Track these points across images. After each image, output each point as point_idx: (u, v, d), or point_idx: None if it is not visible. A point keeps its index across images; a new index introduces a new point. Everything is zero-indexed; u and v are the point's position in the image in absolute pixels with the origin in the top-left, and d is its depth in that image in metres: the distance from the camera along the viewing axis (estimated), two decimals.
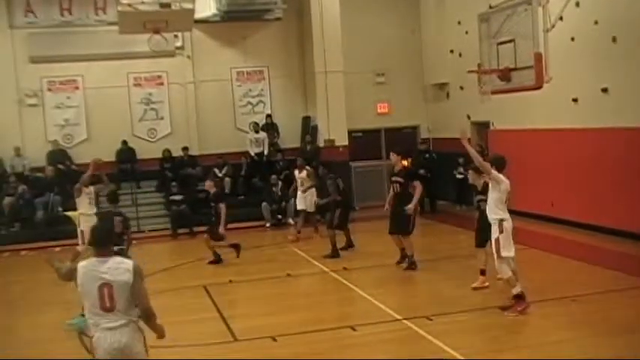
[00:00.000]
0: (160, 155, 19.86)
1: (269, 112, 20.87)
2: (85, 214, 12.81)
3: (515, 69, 13.02)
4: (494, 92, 13.85)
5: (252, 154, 20.13)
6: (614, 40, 13.01)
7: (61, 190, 17.83)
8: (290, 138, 20.80)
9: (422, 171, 19.23)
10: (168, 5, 16.51)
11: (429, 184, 19.31)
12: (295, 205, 17.56)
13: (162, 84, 20.33)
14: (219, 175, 19.79)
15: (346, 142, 20.10)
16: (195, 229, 17.47)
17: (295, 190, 17.21)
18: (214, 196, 14.17)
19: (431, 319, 9.24)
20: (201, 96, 20.50)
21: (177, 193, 18.64)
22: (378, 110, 21.50)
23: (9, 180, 18.42)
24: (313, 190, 16.50)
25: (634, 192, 12.52)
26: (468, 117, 18.67)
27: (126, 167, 19.58)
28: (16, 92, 19.26)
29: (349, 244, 14.54)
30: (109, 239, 5.58)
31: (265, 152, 20.15)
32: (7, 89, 19.07)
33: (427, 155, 20.04)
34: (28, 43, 19.22)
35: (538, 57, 12.28)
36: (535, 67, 12.28)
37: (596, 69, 13.57)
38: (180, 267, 14.09)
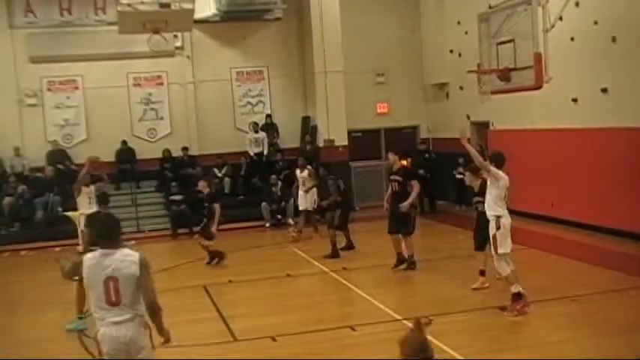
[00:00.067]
0: (159, 155, 19.87)
1: (269, 112, 20.87)
2: (85, 213, 12.78)
3: (514, 69, 13.02)
4: (493, 92, 13.85)
5: (252, 154, 20.13)
6: (613, 40, 13.01)
7: (61, 190, 17.84)
8: (290, 138, 20.80)
9: (421, 171, 19.22)
10: (167, 5, 16.50)
11: (429, 184, 19.36)
12: (296, 204, 17.59)
13: (161, 84, 20.33)
14: (219, 175, 19.82)
15: (346, 142, 20.11)
16: (195, 229, 17.42)
17: (297, 189, 17.23)
18: (208, 196, 14.17)
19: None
20: (200, 96, 20.50)
21: (176, 193, 18.63)
22: (378, 110, 21.50)
23: (9, 180, 18.43)
24: (314, 189, 16.53)
25: (634, 192, 12.52)
26: (468, 117, 18.67)
27: (126, 167, 19.58)
28: (15, 92, 19.26)
29: (349, 246, 14.52)
30: (115, 232, 5.47)
31: (265, 152, 20.15)
32: (6, 89, 19.07)
33: (427, 155, 20.05)
34: (28, 43, 19.22)
35: (538, 57, 12.28)
36: (535, 67, 12.28)
37: (595, 69, 13.57)
38: (180, 267, 14.09)
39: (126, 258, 5.29)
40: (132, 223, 18.09)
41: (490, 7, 14.75)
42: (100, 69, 19.63)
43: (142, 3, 16.33)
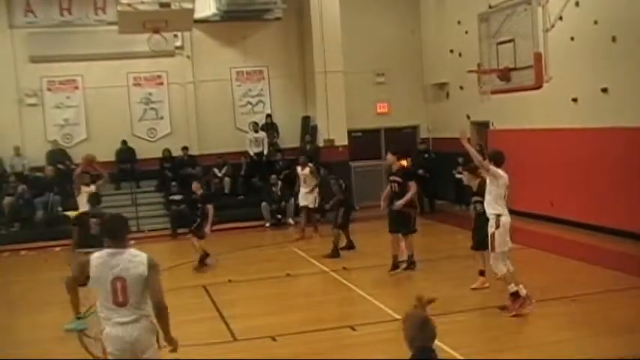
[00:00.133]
0: (159, 155, 19.87)
1: (269, 111, 20.87)
2: None
3: (514, 69, 13.03)
4: (493, 92, 13.86)
5: (252, 153, 20.13)
6: (613, 39, 13.01)
7: (61, 190, 17.84)
8: (290, 138, 20.80)
9: (421, 171, 19.23)
10: (167, 5, 16.51)
11: (428, 184, 19.39)
12: (296, 203, 17.60)
13: (161, 84, 20.33)
14: (219, 174, 19.82)
15: (346, 142, 20.10)
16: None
17: (299, 186, 17.27)
18: (202, 197, 14.16)
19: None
20: (200, 96, 20.50)
21: (176, 192, 18.62)
22: (378, 110, 21.50)
23: (9, 180, 18.42)
24: (315, 186, 16.60)
25: (634, 192, 12.52)
26: (468, 117, 18.67)
27: (125, 167, 19.58)
28: (15, 92, 19.25)
29: (349, 246, 14.53)
30: (122, 231, 5.41)
31: (265, 152, 20.15)
32: (6, 89, 19.07)
33: (426, 155, 20.06)
34: (28, 42, 19.22)
35: (538, 57, 12.29)
36: (535, 67, 12.29)
37: (595, 69, 13.57)
38: (179, 267, 14.07)
39: (134, 258, 5.25)
40: (132, 222, 17.78)
41: (490, 6, 14.76)
42: (100, 69, 19.63)
43: (142, 3, 16.34)
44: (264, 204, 18.82)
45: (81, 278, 5.38)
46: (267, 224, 18.76)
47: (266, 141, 20.17)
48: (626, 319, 8.98)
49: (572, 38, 13.88)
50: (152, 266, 5.27)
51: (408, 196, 12.05)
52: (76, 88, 19.74)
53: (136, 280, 5.18)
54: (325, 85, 19.89)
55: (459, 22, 18.59)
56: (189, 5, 16.88)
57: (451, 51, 19.40)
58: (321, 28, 19.78)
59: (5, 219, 17.94)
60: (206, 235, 13.79)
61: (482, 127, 18.19)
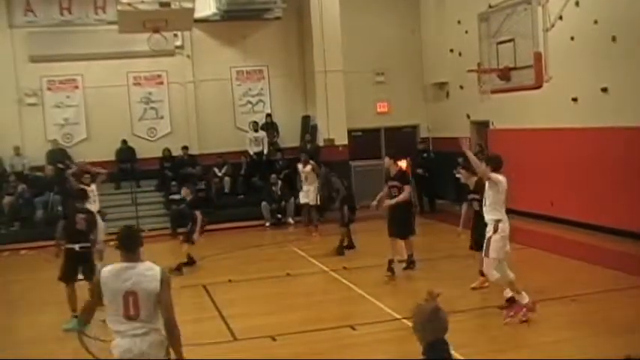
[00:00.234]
0: (159, 154, 19.87)
1: (269, 111, 20.87)
2: None
3: (514, 68, 13.02)
4: (493, 92, 13.86)
5: (252, 153, 20.13)
6: (613, 39, 13.00)
7: (61, 190, 17.83)
8: (289, 137, 20.80)
9: (420, 170, 19.28)
10: (167, 4, 16.49)
11: (428, 184, 19.42)
12: (297, 202, 17.63)
13: (161, 83, 20.33)
14: (219, 174, 19.82)
15: (346, 142, 20.10)
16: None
17: (300, 183, 17.31)
18: (190, 203, 14.11)
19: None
20: (200, 95, 20.50)
21: (176, 192, 18.60)
22: (378, 109, 21.50)
23: (9, 179, 18.43)
24: (316, 184, 16.64)
25: (634, 192, 12.52)
26: (468, 116, 18.68)
27: (126, 166, 19.58)
28: (15, 91, 19.26)
29: (350, 245, 14.55)
30: (137, 243, 5.29)
31: (265, 151, 20.15)
32: (6, 88, 19.07)
33: (426, 155, 20.07)
34: (28, 42, 19.22)
35: (538, 56, 12.29)
36: (535, 67, 12.29)
37: (595, 68, 13.57)
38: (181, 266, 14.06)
39: (147, 272, 5.15)
40: (132, 222, 18.03)
41: (490, 6, 14.76)
42: (100, 68, 19.63)
43: (142, 2, 16.33)
44: (264, 203, 18.82)
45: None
46: (267, 224, 18.76)
47: (266, 140, 20.18)
48: (626, 319, 8.98)
49: (572, 38, 13.87)
50: (165, 281, 5.18)
51: (400, 197, 11.96)
52: (76, 87, 19.74)
53: (148, 294, 5.09)
54: (325, 84, 19.89)
55: (458, 22, 18.58)
56: (189, 5, 16.87)
57: (451, 50, 19.40)
58: (321, 28, 19.77)
59: (5, 218, 17.95)
60: (195, 240, 13.70)
61: (482, 126, 18.19)
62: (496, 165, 9.25)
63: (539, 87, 12.59)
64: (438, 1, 20.12)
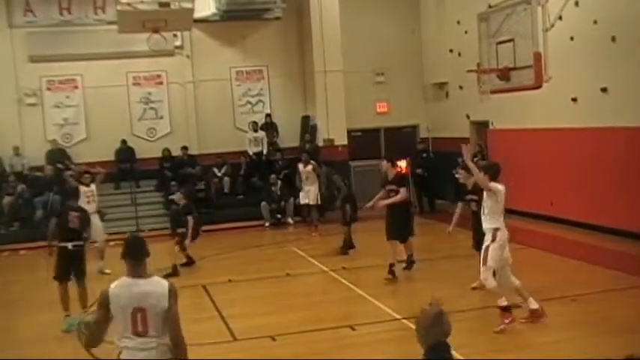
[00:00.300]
0: (159, 154, 19.87)
1: (268, 111, 20.86)
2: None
3: (514, 68, 13.03)
4: (493, 92, 13.86)
5: (251, 153, 20.12)
6: (613, 39, 13.01)
7: (60, 190, 17.80)
8: (289, 137, 20.79)
9: (420, 170, 19.30)
10: (167, 4, 16.49)
11: (428, 184, 19.43)
12: (296, 202, 17.62)
13: (161, 83, 20.33)
14: (219, 174, 19.82)
15: (345, 142, 20.08)
16: (201, 229, 17.45)
17: (300, 182, 17.31)
18: (183, 208, 14.08)
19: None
20: (200, 95, 20.49)
21: (176, 192, 18.59)
22: (378, 110, 21.49)
23: (8, 179, 18.42)
24: (317, 184, 16.64)
25: (634, 192, 12.52)
26: (468, 116, 18.68)
27: (125, 167, 19.58)
28: (15, 91, 19.25)
29: (349, 245, 14.54)
30: (144, 252, 5.15)
31: (264, 152, 20.14)
32: (6, 88, 19.06)
33: (425, 155, 20.08)
34: (28, 42, 19.21)
35: (537, 56, 12.29)
36: (534, 67, 12.29)
37: (595, 68, 13.57)
38: (179, 266, 14.04)
39: (155, 289, 5.04)
40: (131, 222, 18.11)
41: (490, 6, 14.76)
42: (100, 68, 19.62)
43: (142, 2, 16.33)
44: (263, 203, 18.81)
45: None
46: (267, 224, 18.76)
47: (265, 140, 20.17)
48: (626, 319, 8.98)
49: (571, 38, 13.87)
50: (173, 296, 5.06)
51: (396, 197, 11.87)
52: (76, 87, 19.74)
53: (157, 311, 4.99)
54: (325, 84, 19.88)
55: (458, 22, 18.59)
56: (188, 5, 16.87)
57: (451, 51, 19.40)
58: (320, 28, 19.76)
59: (5, 218, 17.94)
60: (187, 247, 13.64)
61: (481, 126, 18.19)
62: (494, 173, 9.12)
63: (538, 87, 12.59)
64: (438, 1, 20.12)
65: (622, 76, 12.93)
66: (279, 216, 18.81)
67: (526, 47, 12.55)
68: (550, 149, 14.89)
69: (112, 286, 5.09)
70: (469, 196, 10.49)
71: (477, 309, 9.75)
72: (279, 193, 18.89)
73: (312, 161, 17.19)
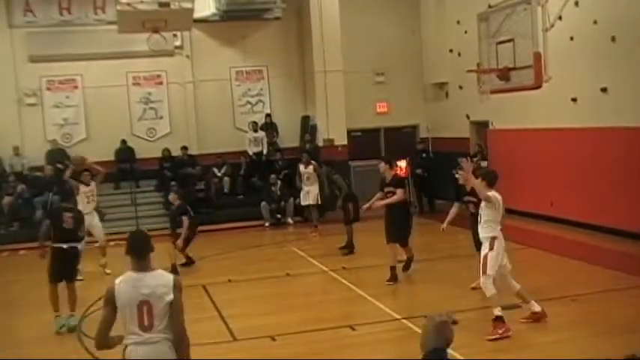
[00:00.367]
0: (159, 154, 19.87)
1: (268, 111, 20.86)
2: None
3: (514, 68, 13.04)
4: (493, 92, 13.87)
5: (251, 153, 20.11)
6: (613, 39, 13.00)
7: (60, 190, 17.80)
8: (289, 137, 20.79)
9: (419, 170, 19.31)
10: (167, 4, 16.49)
11: (428, 184, 19.43)
12: (296, 203, 17.62)
13: (161, 83, 20.32)
14: (219, 174, 19.82)
15: (345, 142, 20.08)
16: (197, 229, 17.43)
17: (300, 183, 17.31)
18: (177, 209, 14.07)
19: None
20: (200, 95, 20.49)
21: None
22: (378, 110, 21.49)
23: (8, 179, 18.42)
24: (317, 184, 16.65)
25: (634, 192, 12.52)
26: (467, 116, 18.68)
27: (125, 167, 19.58)
28: (15, 91, 19.25)
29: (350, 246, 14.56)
30: (148, 249, 5.20)
31: (264, 152, 20.13)
32: (6, 88, 19.06)
33: (425, 155, 20.08)
34: (27, 42, 19.21)
35: (537, 56, 12.30)
36: (534, 67, 12.29)
37: (595, 68, 13.57)
38: (178, 266, 14.04)
39: (160, 282, 5.10)
40: (131, 222, 18.08)
41: (490, 6, 14.77)
42: (100, 68, 19.62)
43: (142, 2, 16.33)
44: (263, 203, 18.81)
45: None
46: (267, 224, 18.75)
47: (265, 140, 20.17)
48: (626, 319, 8.98)
49: (571, 38, 13.87)
50: (177, 288, 5.12)
51: (393, 198, 11.79)
52: (76, 87, 19.73)
53: (162, 304, 5.04)
54: (325, 84, 19.87)
55: (458, 22, 18.59)
56: (188, 5, 16.87)
57: (450, 51, 19.40)
58: (320, 28, 19.75)
59: (4, 218, 17.94)
60: (179, 247, 13.60)
61: (481, 126, 18.19)
62: (492, 180, 9.09)
63: (538, 87, 12.60)
64: (438, 1, 20.12)
65: (622, 76, 12.93)
66: (279, 216, 18.81)
67: (526, 47, 12.55)
68: (550, 149, 14.89)
69: (117, 281, 5.13)
70: (467, 198, 10.47)
71: (476, 309, 9.74)
72: (279, 193, 18.89)
73: (312, 162, 17.18)
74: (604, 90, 13.37)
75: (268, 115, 20.72)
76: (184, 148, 19.92)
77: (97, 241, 13.90)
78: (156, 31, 16.80)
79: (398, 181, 12.16)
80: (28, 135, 19.27)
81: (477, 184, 9.06)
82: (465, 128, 18.86)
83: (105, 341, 5.16)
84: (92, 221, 13.70)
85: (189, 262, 13.80)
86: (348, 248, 14.28)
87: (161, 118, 20.38)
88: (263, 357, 8.49)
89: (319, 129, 20.20)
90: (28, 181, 18.54)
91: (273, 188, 18.94)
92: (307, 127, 20.53)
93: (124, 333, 5.11)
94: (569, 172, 14.26)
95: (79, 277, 12.59)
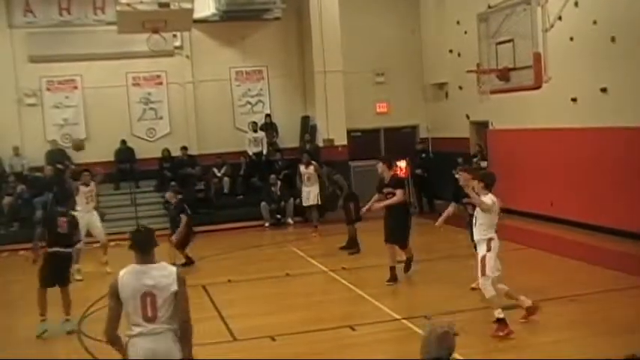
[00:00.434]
0: (159, 155, 19.86)
1: (268, 111, 20.85)
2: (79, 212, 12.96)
3: (514, 69, 13.04)
4: (493, 92, 13.87)
5: (251, 153, 20.11)
6: (613, 39, 13.00)
7: (60, 190, 17.80)
8: (289, 137, 20.78)
9: (419, 171, 19.31)
10: (167, 5, 16.47)
11: (427, 184, 19.43)
12: (296, 203, 17.62)
13: (161, 83, 20.31)
14: (218, 174, 19.82)
15: (345, 142, 20.08)
16: (194, 229, 17.43)
17: (300, 183, 17.33)
18: (175, 207, 14.05)
19: (430, 319, 9.21)
20: (200, 96, 20.48)
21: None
22: (378, 110, 21.49)
23: (8, 179, 18.42)
24: (317, 185, 16.65)
25: (634, 192, 12.52)
26: (467, 117, 18.68)
27: (125, 167, 19.56)
28: (15, 92, 19.24)
29: (349, 246, 14.54)
30: (152, 244, 5.28)
31: (264, 152, 20.13)
32: (6, 89, 19.05)
33: (425, 155, 20.08)
34: (27, 42, 19.21)
35: (537, 57, 12.30)
36: (534, 67, 12.29)
37: (595, 69, 13.57)
38: (178, 266, 14.04)
39: (164, 273, 5.18)
40: (131, 222, 18.00)
41: (489, 6, 14.76)
42: (99, 68, 19.61)
43: (141, 3, 16.31)
44: (263, 204, 18.81)
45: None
46: (267, 224, 18.75)
47: (265, 141, 20.16)
48: (625, 319, 8.98)
49: (571, 38, 13.87)
50: (181, 280, 5.20)
51: (393, 199, 11.74)
52: (75, 87, 19.73)
53: (166, 295, 5.11)
54: (325, 84, 19.87)
55: (458, 22, 18.59)
56: (188, 5, 16.86)
57: (450, 51, 19.41)
58: (320, 28, 19.75)
59: (4, 219, 17.93)
60: (172, 242, 13.58)
61: (481, 127, 18.19)
62: (489, 182, 9.08)
63: (538, 87, 12.60)
64: (438, 1, 20.12)
65: (622, 76, 12.93)
66: (278, 216, 18.81)
67: (526, 47, 12.55)
68: (550, 149, 14.89)
69: (121, 274, 5.19)
70: (467, 200, 10.45)
71: (476, 309, 9.74)
72: (278, 193, 18.89)
73: (313, 162, 17.18)
74: (604, 90, 13.37)
75: (268, 116, 20.72)
76: (184, 148, 19.92)
77: (97, 241, 13.92)
78: (156, 31, 16.79)
79: (397, 182, 12.12)
80: (28, 135, 19.27)
81: (477, 198, 8.97)
82: (465, 128, 18.86)
83: (114, 335, 5.21)
84: (92, 220, 13.72)
85: (189, 262, 13.80)
86: (354, 248, 14.27)
87: (161, 118, 20.38)
88: (263, 357, 8.49)
89: (319, 129, 20.20)
90: (28, 181, 18.54)
91: (272, 188, 18.94)
92: (307, 128, 20.53)
93: (127, 327, 5.14)
94: (569, 172, 14.27)
95: (78, 278, 12.63)
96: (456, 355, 7.76)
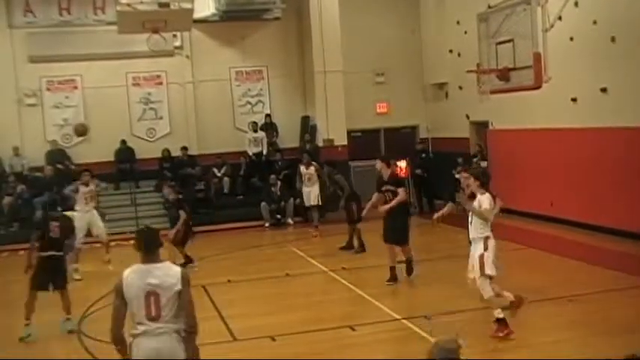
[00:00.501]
0: (159, 155, 19.86)
1: (268, 111, 20.85)
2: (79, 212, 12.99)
3: (514, 69, 13.04)
4: (493, 92, 13.87)
5: (251, 153, 20.11)
6: (613, 39, 13.00)
7: (60, 190, 17.81)
8: (289, 137, 20.79)
9: (419, 171, 19.31)
10: (167, 5, 16.48)
11: (427, 184, 19.43)
12: (296, 203, 17.60)
13: (161, 84, 20.32)
14: (218, 174, 19.82)
15: (345, 142, 20.08)
16: (194, 229, 17.43)
17: (301, 184, 17.33)
18: (173, 203, 14.04)
19: (430, 319, 9.22)
20: (200, 96, 20.48)
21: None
22: (378, 110, 21.50)
23: (8, 180, 18.42)
24: (317, 185, 16.65)
25: (634, 192, 12.51)
26: (467, 117, 18.68)
27: (125, 167, 19.57)
28: (15, 92, 19.24)
29: (349, 246, 14.55)
30: (156, 243, 5.33)
31: (264, 152, 20.13)
32: (6, 89, 19.05)
33: (425, 155, 20.08)
34: (27, 42, 19.21)
35: (537, 57, 12.30)
36: (534, 67, 12.30)
37: (595, 69, 13.57)
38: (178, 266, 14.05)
39: (169, 272, 5.21)
40: (131, 222, 18.08)
41: (489, 6, 14.76)
42: (99, 69, 19.61)
43: (141, 3, 16.31)
44: (263, 204, 18.81)
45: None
46: (267, 224, 18.76)
47: (265, 141, 20.16)
48: (625, 319, 8.98)
49: (571, 38, 13.87)
50: (185, 281, 5.23)
51: (394, 202, 11.72)
52: (75, 88, 19.73)
53: (170, 294, 5.14)
54: (325, 84, 19.87)
55: (458, 22, 18.59)
56: (188, 5, 16.87)
57: (450, 51, 19.40)
58: (320, 28, 19.75)
59: (4, 219, 17.93)
60: (168, 238, 13.52)
61: (481, 127, 18.18)
62: (485, 180, 9.05)
63: (538, 87, 12.60)
64: (438, 1, 20.12)
65: (622, 76, 12.93)
66: (278, 216, 18.82)
67: (526, 47, 12.56)
68: (550, 149, 14.89)
69: (126, 273, 5.22)
70: (468, 206, 10.41)
71: (476, 309, 9.71)
72: (278, 193, 18.89)
73: (314, 162, 17.17)
74: (604, 90, 13.37)
75: (268, 116, 20.72)
76: (184, 148, 19.92)
77: (98, 241, 13.94)
78: (156, 31, 16.79)
79: (397, 180, 12.12)
80: (28, 135, 19.27)
81: (477, 211, 8.89)
82: (465, 128, 18.86)
83: (119, 335, 5.22)
84: (93, 220, 13.74)
85: (188, 261, 13.77)
86: (355, 248, 14.25)
87: (161, 118, 20.38)
88: (263, 357, 8.49)
89: (319, 129, 20.20)
90: (28, 181, 18.54)
91: (273, 188, 18.94)
92: (307, 128, 20.53)
93: (131, 326, 5.15)
94: (569, 172, 14.26)
95: (76, 277, 12.63)
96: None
